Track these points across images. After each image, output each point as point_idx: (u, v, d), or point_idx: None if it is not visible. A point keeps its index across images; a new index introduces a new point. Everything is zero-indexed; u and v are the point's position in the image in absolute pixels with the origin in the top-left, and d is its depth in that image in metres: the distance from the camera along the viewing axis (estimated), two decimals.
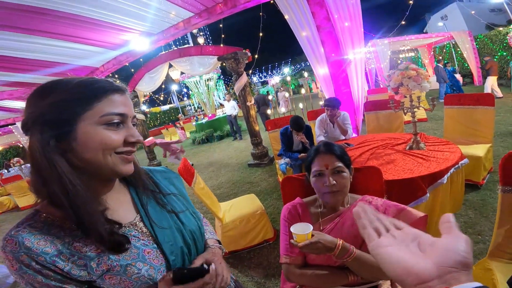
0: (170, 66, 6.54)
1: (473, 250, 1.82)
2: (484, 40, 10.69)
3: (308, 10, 3.85)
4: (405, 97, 2.23)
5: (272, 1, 4.34)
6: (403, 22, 8.90)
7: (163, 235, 0.67)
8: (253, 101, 5.11)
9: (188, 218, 0.76)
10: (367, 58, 12.57)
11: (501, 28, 10.17)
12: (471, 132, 2.77)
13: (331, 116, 3.11)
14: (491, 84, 7.43)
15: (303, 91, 6.75)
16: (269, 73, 29.58)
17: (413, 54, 13.69)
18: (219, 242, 0.89)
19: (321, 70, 4.22)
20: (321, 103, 4.17)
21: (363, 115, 3.94)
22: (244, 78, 5.00)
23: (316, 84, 19.54)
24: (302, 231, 0.89)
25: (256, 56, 5.90)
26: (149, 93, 10.55)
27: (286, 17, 4.11)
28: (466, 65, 11.13)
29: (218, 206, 2.58)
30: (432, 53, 13.27)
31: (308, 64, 4.48)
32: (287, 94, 9.00)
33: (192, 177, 2.24)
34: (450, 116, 2.97)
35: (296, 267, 1.01)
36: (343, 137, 3.11)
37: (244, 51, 5.05)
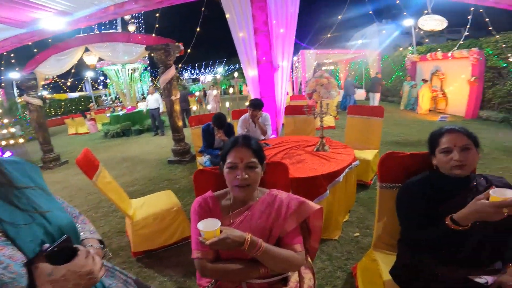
0: (87, 50, 5.70)
1: (364, 243, 2.16)
2: (388, 60, 12.59)
3: (250, 12, 3.94)
4: (316, 102, 2.48)
5: None
6: (328, 35, 9.88)
7: (17, 231, 0.59)
8: (178, 96, 4.90)
9: (54, 214, 0.68)
10: (295, 67, 13.63)
11: (401, 49, 11.94)
12: (364, 139, 3.29)
13: (253, 116, 3.24)
14: (377, 100, 8.79)
15: (231, 90, 6.85)
16: (202, 70, 28.93)
17: (333, 67, 15.43)
18: (101, 242, 0.81)
19: (251, 72, 4.35)
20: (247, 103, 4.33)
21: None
22: (171, 71, 4.75)
23: (247, 87, 19.97)
24: (210, 227, 0.87)
25: (189, 50, 5.67)
26: (53, 77, 8.95)
27: (228, 16, 4.11)
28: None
29: (128, 202, 2.37)
30: (347, 67, 15.20)
31: (240, 66, 4.54)
32: (214, 92, 8.94)
33: (95, 170, 1.99)
34: (350, 124, 3.46)
35: (209, 261, 1.00)
36: (263, 137, 3.27)
37: (177, 44, 4.82)
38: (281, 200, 1.07)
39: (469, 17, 6.97)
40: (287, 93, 9.02)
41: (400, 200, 1.25)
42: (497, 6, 3.92)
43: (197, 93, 8.45)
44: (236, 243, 0.89)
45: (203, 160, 3.20)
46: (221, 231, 0.88)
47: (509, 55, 6.56)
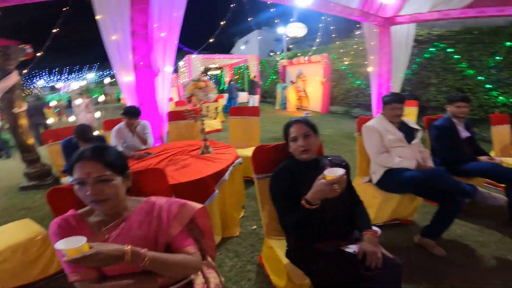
0: None
1: (262, 234, 2.28)
2: (265, 65, 14.14)
3: (128, 14, 3.54)
4: (195, 106, 2.49)
5: None
6: (211, 40, 10.09)
7: None
8: (24, 107, 3.92)
9: None
10: (181, 72, 13.36)
11: (272, 54, 13.74)
12: (246, 137, 3.58)
13: (130, 125, 2.97)
14: (257, 101, 9.91)
15: (101, 98, 6.02)
16: (66, 76, 24.00)
17: (218, 72, 16.07)
18: None
19: (126, 77, 3.94)
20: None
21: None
22: (13, 78, 3.74)
23: None
24: (73, 245, 0.76)
25: (40, 53, 4.60)
26: None
27: (99, 17, 3.56)
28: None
29: None
30: (231, 72, 16.15)
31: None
32: (79, 102, 7.42)
33: None
34: (232, 125, 3.69)
35: (93, 282, 0.88)
36: (144, 147, 3.05)
37: (22, 46, 3.83)
38: (160, 206, 1.03)
39: (321, 25, 8.71)
40: (171, 99, 8.77)
41: (270, 188, 1.41)
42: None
43: (52, 103, 6.93)
44: (114, 257, 0.80)
45: (68, 180, 2.67)
46: (91, 247, 0.77)
47: (345, 58, 8.63)
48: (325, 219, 1.30)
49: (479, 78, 5.60)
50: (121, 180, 0.98)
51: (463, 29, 5.83)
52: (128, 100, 4.07)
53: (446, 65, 6.10)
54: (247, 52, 14.38)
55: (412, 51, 6.54)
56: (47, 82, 23.54)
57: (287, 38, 9.85)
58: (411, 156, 2.09)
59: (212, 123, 6.61)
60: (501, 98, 5.38)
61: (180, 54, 13.86)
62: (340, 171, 1.11)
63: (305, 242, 1.32)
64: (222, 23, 7.30)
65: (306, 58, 9.67)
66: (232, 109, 3.73)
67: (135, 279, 0.92)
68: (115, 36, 3.75)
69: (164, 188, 1.39)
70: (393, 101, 2.13)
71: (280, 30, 11.69)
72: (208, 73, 15.02)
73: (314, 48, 9.61)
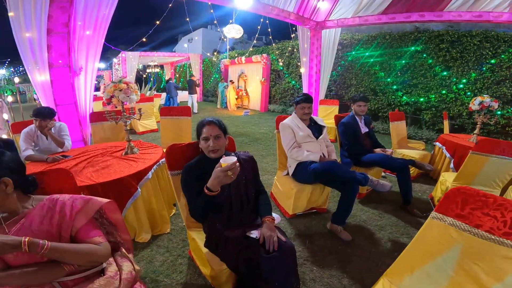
0: None
1: None
2: (208, 64, 14.03)
3: (45, 11, 3.22)
4: (116, 107, 2.42)
5: None
6: (144, 39, 9.54)
7: None
8: None
9: None
10: (115, 69, 12.36)
11: (215, 53, 13.59)
12: (177, 137, 3.57)
13: (41, 128, 2.72)
14: (196, 100, 9.75)
15: (9, 99, 5.28)
16: None
17: (158, 70, 15.33)
18: None
19: (40, 76, 3.56)
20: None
21: None
22: None
23: None
24: None
25: None
26: None
27: (11, 14, 3.26)
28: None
29: None
30: (172, 70, 15.58)
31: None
32: None
33: None
34: (164, 125, 3.65)
35: None
36: (60, 150, 2.83)
37: None
38: (63, 202, 1.08)
39: (258, 26, 8.95)
40: (100, 98, 8.08)
41: (181, 182, 1.51)
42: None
43: None
44: (10, 246, 0.87)
45: None
46: None
47: (281, 60, 9.12)
48: (232, 209, 1.47)
49: (388, 80, 6.56)
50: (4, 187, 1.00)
51: (378, 35, 6.71)
52: (43, 100, 3.69)
53: (364, 67, 6.97)
54: (191, 50, 13.96)
55: (337, 54, 7.33)
56: None
57: (224, 39, 9.94)
58: (318, 150, 2.40)
59: (147, 123, 6.35)
60: (404, 97, 6.40)
61: (110, 51, 12.83)
62: (233, 159, 1.26)
63: (217, 231, 1.44)
64: (157, 22, 7.02)
65: (243, 58, 9.97)
66: (163, 109, 3.67)
67: (39, 267, 0.98)
68: (29, 34, 3.41)
69: (70, 188, 1.37)
70: (302, 101, 2.40)
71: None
72: (147, 70, 14.22)
73: (250, 48, 9.94)
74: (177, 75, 15.02)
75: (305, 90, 6.95)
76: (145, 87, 11.27)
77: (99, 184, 1.94)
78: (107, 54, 15.14)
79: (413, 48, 6.09)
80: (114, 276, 1.12)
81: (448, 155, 3.41)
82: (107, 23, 3.86)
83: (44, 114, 2.72)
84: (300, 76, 7.46)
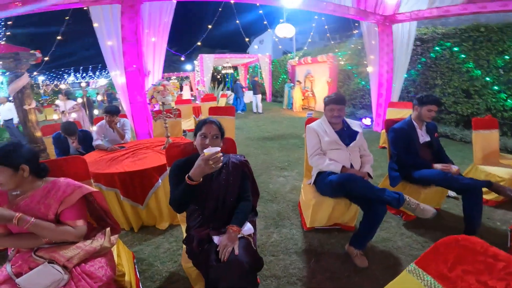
0: None
1: None
2: (276, 64, 14.16)
3: (118, 22, 3.91)
4: (155, 107, 2.70)
5: (86, 8, 4.13)
6: (198, 43, 9.96)
7: None
8: (33, 105, 4.43)
9: None
10: (196, 71, 13.82)
11: (289, 55, 13.51)
12: None
13: (110, 122, 3.30)
14: (259, 100, 9.85)
15: (99, 97, 6.46)
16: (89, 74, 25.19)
17: (232, 71, 16.35)
18: None
19: (120, 79, 4.32)
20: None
21: None
22: (23, 80, 4.28)
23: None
24: None
25: (46, 58, 5.23)
26: None
27: (96, 25, 4.10)
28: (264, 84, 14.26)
29: None
30: (246, 71, 16.35)
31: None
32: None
33: None
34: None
35: (3, 235, 1.28)
36: (122, 141, 3.36)
37: (32, 51, 4.38)
38: (59, 186, 1.31)
39: (326, 26, 8.53)
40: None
41: (169, 175, 1.54)
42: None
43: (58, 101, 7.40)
44: (6, 219, 1.15)
45: None
46: None
47: (349, 58, 8.40)
48: (205, 209, 1.46)
49: (487, 79, 5.24)
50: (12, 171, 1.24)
51: (469, 27, 5.46)
52: (122, 98, 4.44)
53: (452, 65, 5.76)
54: (262, 52, 14.35)
55: (416, 50, 6.29)
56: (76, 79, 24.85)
57: (276, 39, 9.76)
58: (345, 159, 2.10)
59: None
60: (509, 101, 5.00)
61: (195, 54, 14.32)
62: (216, 149, 1.27)
63: (190, 227, 1.48)
64: (209, 26, 7.49)
65: (310, 58, 9.62)
66: (211, 109, 3.89)
67: (24, 236, 1.27)
68: (110, 42, 4.18)
69: (83, 173, 1.63)
70: (330, 102, 2.13)
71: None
72: (222, 71, 15.33)
73: (305, 48, 9.52)
74: (249, 76, 15.67)
75: (373, 90, 6.23)
76: (218, 87, 12.17)
77: (128, 172, 2.22)
78: (192, 57, 16.95)
79: None
80: (80, 246, 1.30)
81: None
82: (168, 30, 4.35)
83: (112, 112, 3.28)
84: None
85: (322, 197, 2.12)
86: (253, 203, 1.69)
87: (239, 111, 10.12)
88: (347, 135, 2.17)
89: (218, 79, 17.55)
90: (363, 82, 8.00)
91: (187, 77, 20.02)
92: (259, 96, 9.55)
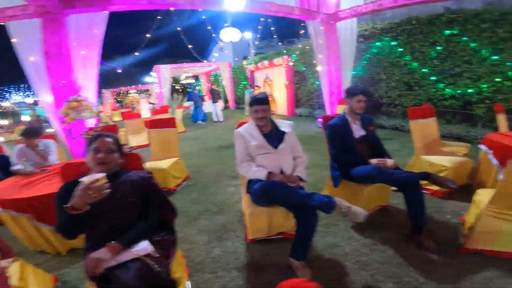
0: None
1: None
2: (236, 71, 14.05)
3: (41, 36, 3.61)
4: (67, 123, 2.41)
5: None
6: (136, 54, 9.59)
7: None
8: None
9: None
10: (152, 83, 13.32)
11: (244, 61, 13.43)
12: (165, 149, 3.48)
13: (30, 145, 2.96)
14: (219, 108, 9.75)
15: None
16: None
17: (193, 81, 16.05)
18: None
19: (47, 97, 3.92)
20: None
21: None
22: None
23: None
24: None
25: None
26: None
27: (15, 40, 3.79)
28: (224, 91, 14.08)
29: None
30: (207, 80, 16.07)
31: None
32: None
33: None
34: (151, 137, 3.60)
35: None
36: (46, 164, 3.02)
37: None
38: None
39: (272, 28, 8.55)
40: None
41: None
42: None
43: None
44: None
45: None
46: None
47: (303, 60, 8.53)
48: (97, 233, 1.29)
49: (424, 70, 5.55)
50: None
51: (403, 21, 5.78)
52: (52, 118, 4.03)
53: (392, 59, 6.06)
54: (223, 59, 14.24)
55: (360, 47, 6.54)
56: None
57: (221, 44, 9.77)
58: (274, 163, 1.98)
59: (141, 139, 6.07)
60: (448, 90, 5.33)
61: (149, 66, 13.80)
62: (96, 176, 1.14)
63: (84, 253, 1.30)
64: (147, 35, 7.29)
65: (267, 62, 9.69)
66: (149, 122, 3.63)
67: None
68: (33, 57, 3.79)
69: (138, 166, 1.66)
70: (253, 103, 1.99)
71: (247, 35, 11.69)
72: (182, 82, 14.99)
73: (252, 52, 9.62)
74: (211, 85, 15.48)
75: (325, 89, 6.36)
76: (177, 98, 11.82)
77: (37, 196, 2.08)
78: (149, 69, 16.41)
79: (448, 31, 5.05)
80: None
81: (495, 162, 2.37)
82: (100, 41, 4.06)
83: (28, 134, 2.93)
84: None
85: (257, 207, 1.98)
86: (169, 220, 1.54)
87: (199, 121, 9.90)
88: (276, 137, 2.04)
89: (177, 90, 17.12)
90: (317, 82, 8.17)
91: (146, 90, 19.35)
92: (219, 104, 9.40)
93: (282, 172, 1.97)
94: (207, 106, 11.20)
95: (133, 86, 20.91)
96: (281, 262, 1.90)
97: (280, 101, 9.73)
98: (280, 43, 9.60)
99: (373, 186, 2.25)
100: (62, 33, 3.63)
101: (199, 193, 3.22)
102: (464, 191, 2.62)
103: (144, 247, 1.27)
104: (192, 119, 10.10)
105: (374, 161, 2.17)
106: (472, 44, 4.80)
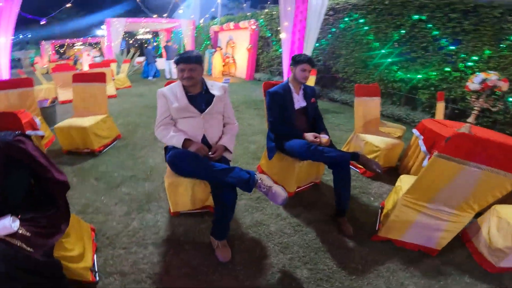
0: None
1: None
2: (200, 30, 13.00)
3: None
4: None
5: None
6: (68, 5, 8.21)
7: None
8: None
9: None
10: (102, 36, 11.67)
11: (212, 20, 12.39)
12: (90, 105, 3.04)
13: None
14: (172, 66, 9.03)
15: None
16: None
17: (150, 36, 14.51)
18: None
19: None
20: None
21: None
22: None
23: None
24: None
25: None
26: None
27: None
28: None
29: None
30: (171, 36, 14.62)
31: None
32: None
33: None
34: (76, 93, 3.09)
35: None
36: None
37: None
38: None
39: None
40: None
41: None
42: None
43: None
44: None
45: None
46: None
47: (269, 26, 8.08)
48: None
49: (382, 51, 5.57)
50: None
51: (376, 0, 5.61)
52: None
53: (355, 36, 5.96)
54: (189, 17, 12.87)
55: (328, 20, 6.30)
56: None
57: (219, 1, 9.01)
58: (198, 129, 1.76)
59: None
60: (399, 73, 5.44)
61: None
62: None
63: None
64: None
65: (232, 24, 9.04)
66: (75, 76, 3.10)
67: None
68: None
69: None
70: (179, 61, 1.70)
71: None
72: (137, 37, 13.48)
73: (218, 16, 8.93)
74: (171, 42, 14.17)
75: (285, 58, 6.09)
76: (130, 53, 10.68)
77: None
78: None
79: (417, 16, 5.01)
80: None
81: (423, 148, 2.40)
82: None
83: None
84: None
85: (177, 177, 1.78)
86: (55, 194, 1.26)
87: (150, 77, 9.31)
88: (204, 100, 1.80)
89: (134, 45, 15.47)
90: (280, 50, 7.86)
91: (97, 43, 17.18)
92: (173, 61, 8.69)
93: (205, 140, 1.77)
94: (161, 62, 10.40)
95: (81, 38, 18.39)
96: (202, 240, 1.79)
97: (241, 64, 9.37)
98: (253, 8, 9.00)
99: (306, 162, 2.17)
100: None
101: (128, 156, 2.92)
102: (393, 173, 2.70)
103: (3, 225, 1.02)
104: (143, 75, 9.51)
105: (309, 136, 2.06)
106: (435, 32, 4.83)
